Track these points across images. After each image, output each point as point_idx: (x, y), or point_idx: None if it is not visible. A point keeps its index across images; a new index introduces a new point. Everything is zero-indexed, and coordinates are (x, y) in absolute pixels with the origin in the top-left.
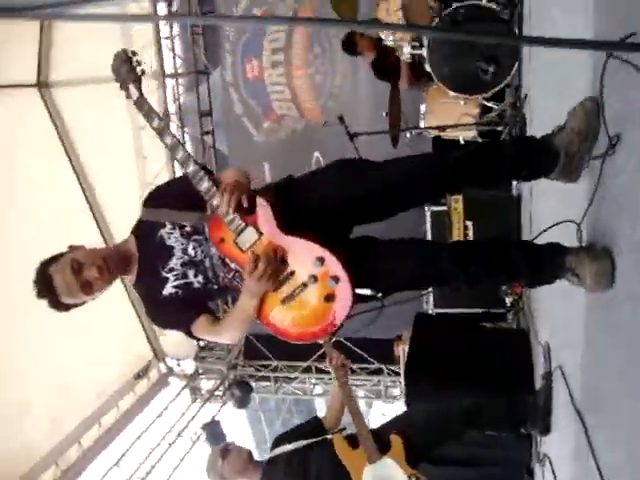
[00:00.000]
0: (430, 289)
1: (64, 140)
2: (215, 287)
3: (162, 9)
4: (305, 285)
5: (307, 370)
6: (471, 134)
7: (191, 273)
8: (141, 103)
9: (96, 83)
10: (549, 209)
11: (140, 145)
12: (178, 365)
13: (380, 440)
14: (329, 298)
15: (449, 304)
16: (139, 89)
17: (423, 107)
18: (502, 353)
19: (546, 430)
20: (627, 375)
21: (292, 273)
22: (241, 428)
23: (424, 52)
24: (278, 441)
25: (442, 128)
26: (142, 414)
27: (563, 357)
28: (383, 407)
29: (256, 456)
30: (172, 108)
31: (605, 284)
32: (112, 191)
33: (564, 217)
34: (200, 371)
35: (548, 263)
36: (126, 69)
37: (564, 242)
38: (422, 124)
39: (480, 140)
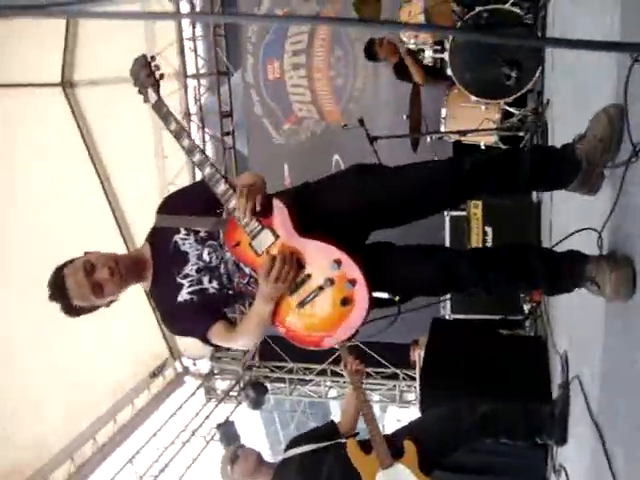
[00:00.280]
0: (448, 295)
1: (86, 139)
2: (230, 292)
3: (185, 8)
4: (321, 288)
5: (322, 373)
6: (492, 139)
7: (206, 279)
8: (159, 106)
9: (119, 83)
10: (570, 216)
11: (161, 145)
12: (194, 364)
13: (393, 446)
14: (346, 302)
15: (466, 310)
16: (157, 93)
17: (444, 111)
18: (519, 361)
19: (562, 440)
20: None
21: (308, 276)
22: (255, 429)
23: (446, 56)
24: (292, 443)
25: (463, 133)
26: (157, 412)
27: (581, 367)
28: (398, 412)
29: (270, 458)
30: (193, 108)
31: (625, 293)
32: (132, 190)
33: (585, 224)
34: (215, 371)
35: (567, 271)
36: (145, 73)
37: (584, 250)
38: (443, 128)
39: (501, 145)
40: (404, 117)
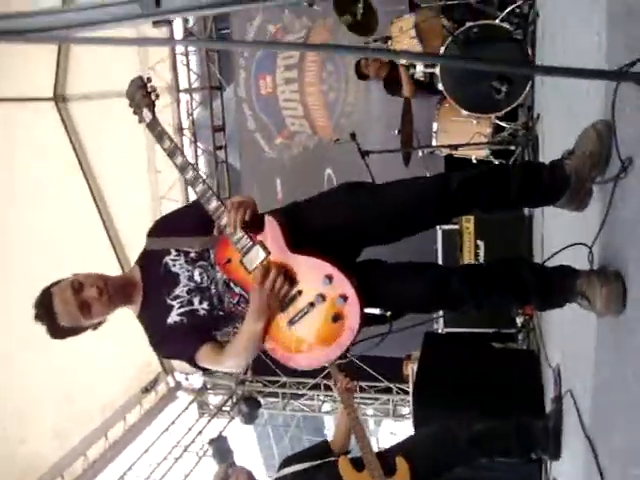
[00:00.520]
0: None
1: (79, 153)
2: (221, 313)
3: (178, 24)
4: (312, 305)
5: (315, 387)
6: (483, 153)
7: (196, 300)
8: (154, 125)
9: (112, 97)
10: (561, 231)
11: (153, 159)
12: (186, 379)
13: (386, 463)
14: (337, 318)
15: (459, 323)
16: (152, 112)
17: (435, 125)
18: (512, 374)
19: (556, 455)
20: (637, 403)
21: (299, 293)
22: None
23: (437, 71)
24: (285, 463)
25: (454, 147)
26: (149, 428)
27: (574, 381)
28: (392, 425)
29: (264, 472)
30: (185, 123)
31: (616, 309)
32: (125, 204)
33: (576, 239)
34: (208, 386)
35: (558, 286)
36: (141, 94)
37: (576, 265)
38: (434, 142)
39: (493, 159)
40: (395, 132)
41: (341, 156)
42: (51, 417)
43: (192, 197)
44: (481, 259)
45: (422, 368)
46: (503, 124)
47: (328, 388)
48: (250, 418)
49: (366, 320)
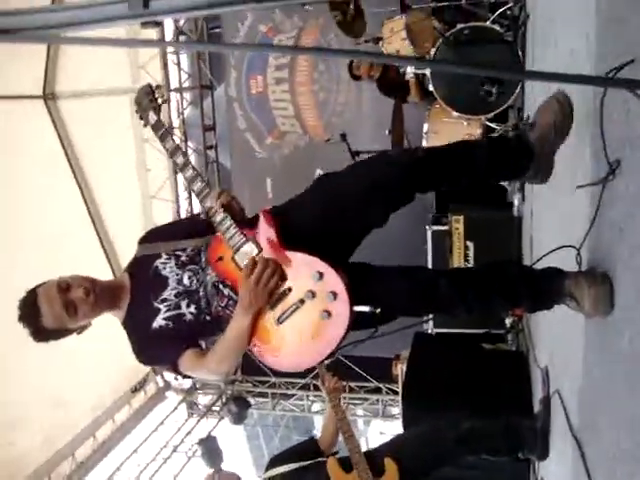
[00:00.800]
0: (430, 315)
1: (68, 152)
2: (207, 318)
3: (169, 23)
4: (302, 301)
5: (305, 387)
6: None
7: (184, 303)
8: (158, 126)
9: (102, 95)
10: (550, 232)
11: (143, 158)
12: (175, 379)
13: (374, 464)
14: (326, 314)
15: (449, 324)
16: (157, 114)
17: (426, 126)
18: (501, 375)
19: (544, 455)
20: (624, 404)
21: (289, 289)
22: (238, 444)
23: (427, 72)
24: (273, 462)
25: None
26: (138, 428)
27: (562, 381)
28: (382, 425)
29: (253, 472)
30: (176, 122)
31: (603, 310)
32: (114, 203)
33: (564, 241)
34: (197, 386)
35: (547, 288)
36: (148, 99)
37: (564, 266)
38: (425, 143)
39: None
40: (386, 132)
41: (332, 156)
42: (39, 417)
43: (182, 197)
44: (471, 260)
45: (411, 368)
46: (493, 125)
47: (317, 388)
48: (239, 418)
49: (354, 323)
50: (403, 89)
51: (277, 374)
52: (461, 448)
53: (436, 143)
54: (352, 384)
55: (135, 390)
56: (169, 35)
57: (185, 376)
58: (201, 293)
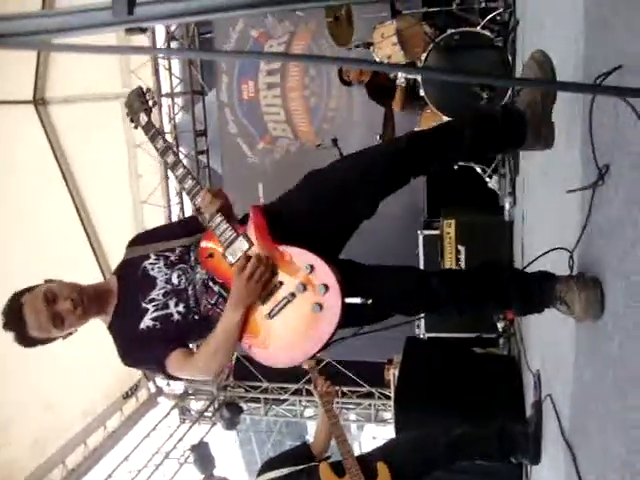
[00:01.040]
0: (422, 315)
1: (59, 157)
2: (196, 317)
3: (160, 28)
4: (293, 295)
5: (297, 392)
6: None
7: (172, 303)
8: (148, 127)
9: (92, 100)
10: (541, 236)
11: (135, 163)
12: (167, 385)
13: (367, 468)
14: (318, 307)
15: (440, 328)
16: (148, 116)
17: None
18: (493, 379)
19: (536, 459)
20: (613, 409)
21: (280, 283)
22: (231, 449)
23: (418, 77)
24: (265, 468)
25: None
26: (130, 434)
27: (553, 386)
28: (374, 430)
29: (246, 478)
30: (167, 127)
31: (593, 314)
32: (105, 208)
33: (556, 244)
34: (189, 391)
35: (537, 291)
36: (140, 101)
37: (555, 270)
38: None
39: (474, 165)
40: (377, 137)
41: (323, 161)
42: (30, 423)
43: (174, 202)
44: (462, 264)
45: (404, 373)
46: None
47: (310, 393)
48: (232, 424)
49: (345, 317)
50: (390, 95)
51: (270, 379)
52: (453, 452)
53: None
54: (345, 389)
55: (127, 396)
56: (160, 41)
57: (173, 377)
58: (190, 292)
